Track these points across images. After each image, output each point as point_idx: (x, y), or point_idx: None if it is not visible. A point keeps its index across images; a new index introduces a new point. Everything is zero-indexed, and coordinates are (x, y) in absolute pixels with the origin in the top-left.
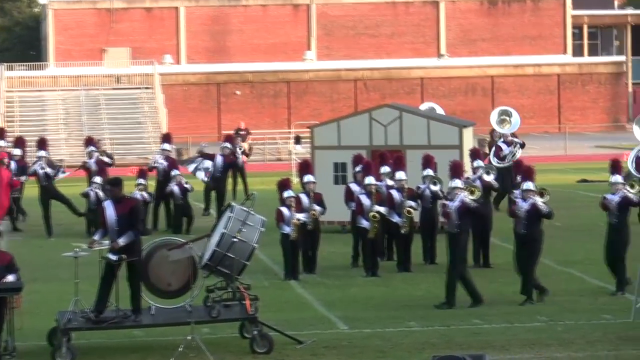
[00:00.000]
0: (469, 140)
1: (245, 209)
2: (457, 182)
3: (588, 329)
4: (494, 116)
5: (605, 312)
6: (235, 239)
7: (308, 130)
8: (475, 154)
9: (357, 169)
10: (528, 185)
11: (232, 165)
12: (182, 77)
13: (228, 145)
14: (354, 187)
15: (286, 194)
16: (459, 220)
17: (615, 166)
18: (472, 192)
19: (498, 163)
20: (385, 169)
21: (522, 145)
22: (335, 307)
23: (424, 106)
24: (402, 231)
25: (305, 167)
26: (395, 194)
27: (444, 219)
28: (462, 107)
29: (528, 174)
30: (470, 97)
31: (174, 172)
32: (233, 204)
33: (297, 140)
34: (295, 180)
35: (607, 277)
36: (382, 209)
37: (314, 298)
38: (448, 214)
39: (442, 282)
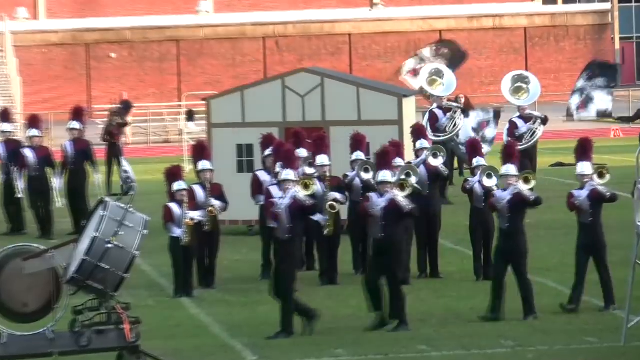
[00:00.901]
0: (410, 114)
1: (122, 205)
2: (385, 175)
3: (567, 356)
4: (506, 83)
5: (588, 334)
6: (109, 245)
7: (203, 103)
8: (418, 132)
9: (267, 152)
10: (508, 169)
11: (85, 154)
12: (41, 36)
13: (76, 125)
14: (263, 176)
15: (176, 186)
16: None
17: (584, 149)
18: (402, 187)
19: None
20: (302, 152)
21: (544, 121)
22: (240, 332)
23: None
24: (325, 232)
25: (200, 151)
26: (316, 185)
27: (363, 218)
28: None
29: (508, 154)
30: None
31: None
32: (106, 199)
33: (190, 116)
34: (187, 168)
35: (589, 287)
36: (338, 196)
37: (213, 320)
38: (369, 212)
39: None
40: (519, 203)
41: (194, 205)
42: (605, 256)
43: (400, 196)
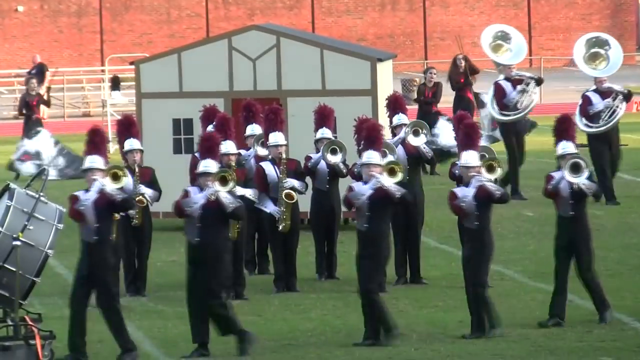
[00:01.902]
0: (386, 83)
1: (32, 193)
2: (372, 155)
3: None
4: (579, 49)
5: (603, 353)
6: (17, 242)
7: (132, 68)
8: (395, 104)
9: (210, 128)
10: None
11: None
12: None
13: None
14: None
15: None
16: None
17: (563, 125)
18: (392, 172)
19: (588, 127)
20: (253, 129)
21: (627, 97)
22: (176, 349)
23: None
24: (280, 227)
25: (127, 127)
26: (269, 168)
27: (348, 210)
28: (377, 29)
29: (469, 137)
30: (389, 14)
31: None
32: (12, 185)
33: (115, 84)
34: (112, 148)
35: (608, 295)
36: (297, 184)
37: (143, 335)
38: (354, 203)
39: (346, 306)
40: (485, 199)
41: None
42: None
43: (389, 183)
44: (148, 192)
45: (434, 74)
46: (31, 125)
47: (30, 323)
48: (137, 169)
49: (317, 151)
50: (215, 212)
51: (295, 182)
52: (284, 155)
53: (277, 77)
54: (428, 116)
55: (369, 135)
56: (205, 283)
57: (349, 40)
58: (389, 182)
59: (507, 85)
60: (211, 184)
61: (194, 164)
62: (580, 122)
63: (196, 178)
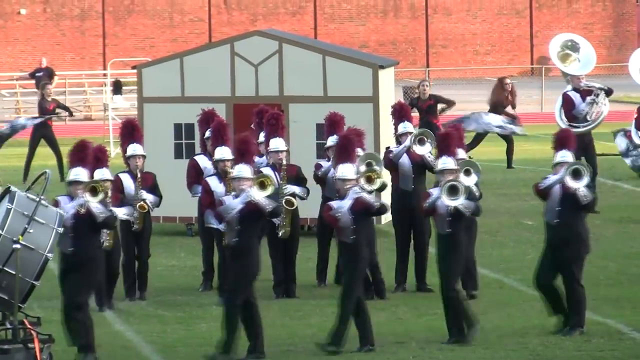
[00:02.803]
0: (388, 90)
1: (32, 196)
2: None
3: None
4: (554, 48)
5: None
6: (17, 246)
7: (134, 72)
8: (401, 112)
9: (207, 134)
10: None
11: None
12: None
13: None
14: (204, 162)
15: (98, 174)
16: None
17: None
18: (369, 180)
19: (573, 128)
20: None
21: (608, 93)
22: (175, 354)
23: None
24: (279, 233)
25: (129, 132)
26: (269, 174)
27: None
28: (379, 35)
29: (345, 150)
30: (391, 21)
31: None
32: (13, 188)
33: (117, 88)
34: (113, 152)
35: (607, 305)
36: (297, 190)
37: (142, 339)
38: (224, 218)
39: None
40: (361, 211)
41: (120, 199)
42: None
43: (367, 192)
44: (149, 197)
45: (427, 86)
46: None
47: (29, 326)
48: (139, 175)
49: (327, 159)
50: (87, 222)
51: (295, 189)
52: (284, 162)
53: (279, 83)
54: (429, 128)
55: (238, 148)
56: (73, 292)
57: (351, 46)
58: (260, 196)
59: (575, 97)
60: (81, 194)
61: (192, 166)
62: (561, 122)
63: (193, 181)
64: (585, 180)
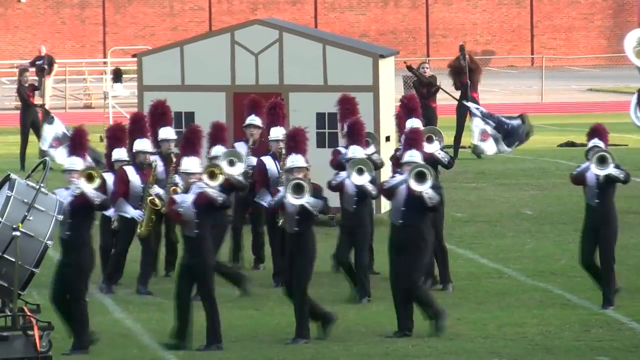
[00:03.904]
0: (388, 79)
1: (32, 183)
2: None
3: None
4: (630, 43)
5: (600, 352)
6: (16, 233)
7: (134, 60)
8: (409, 107)
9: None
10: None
11: None
12: None
13: None
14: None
15: (116, 153)
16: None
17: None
18: (212, 176)
19: None
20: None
21: None
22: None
23: None
24: (280, 222)
25: (161, 116)
26: (269, 163)
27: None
28: (379, 25)
29: (190, 142)
30: (392, 10)
31: None
32: (13, 175)
33: (117, 76)
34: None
35: (599, 297)
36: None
37: (141, 327)
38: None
39: (344, 302)
40: (204, 206)
41: (126, 191)
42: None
43: (87, 189)
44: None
45: (427, 68)
46: (30, 114)
47: (29, 314)
48: (174, 158)
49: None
50: (84, 207)
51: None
52: (284, 150)
53: (279, 72)
54: (428, 111)
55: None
56: (69, 279)
57: (351, 36)
58: (88, 188)
59: None
60: (77, 180)
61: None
62: (636, 120)
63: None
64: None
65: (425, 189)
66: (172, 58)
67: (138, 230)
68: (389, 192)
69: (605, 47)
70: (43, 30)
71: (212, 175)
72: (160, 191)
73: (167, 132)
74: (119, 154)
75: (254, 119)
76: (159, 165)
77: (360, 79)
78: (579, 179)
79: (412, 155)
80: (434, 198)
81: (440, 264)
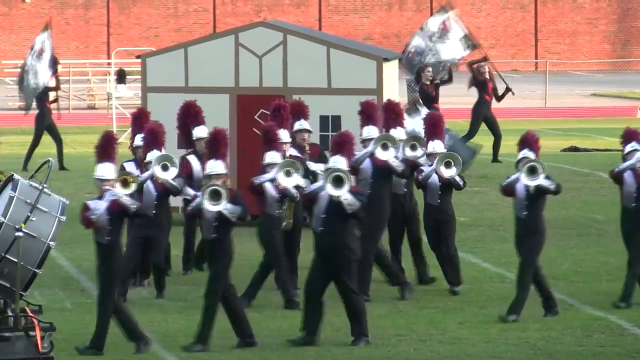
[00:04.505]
0: (392, 82)
1: (35, 184)
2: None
3: None
4: None
5: (603, 357)
6: (19, 233)
7: (138, 61)
8: (368, 114)
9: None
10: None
11: None
12: None
13: None
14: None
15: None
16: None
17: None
18: (125, 184)
19: None
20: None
21: None
22: (176, 343)
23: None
24: (282, 225)
25: (194, 116)
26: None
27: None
28: (383, 28)
29: (105, 150)
30: (396, 13)
31: None
32: (16, 176)
33: (121, 77)
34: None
35: (608, 300)
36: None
37: (142, 328)
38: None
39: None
40: (117, 213)
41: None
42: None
43: (125, 195)
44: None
45: (430, 71)
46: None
47: (31, 314)
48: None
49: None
50: (120, 213)
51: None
52: (287, 154)
53: (283, 74)
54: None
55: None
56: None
57: (355, 39)
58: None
59: None
60: (111, 188)
61: (181, 164)
62: None
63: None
64: (346, 188)
65: (343, 195)
66: (176, 59)
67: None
68: (309, 198)
69: (609, 52)
70: None
71: (125, 183)
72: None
73: (201, 131)
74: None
75: (303, 124)
76: (197, 164)
77: (364, 82)
78: (508, 190)
79: (335, 161)
80: (353, 204)
81: (450, 267)
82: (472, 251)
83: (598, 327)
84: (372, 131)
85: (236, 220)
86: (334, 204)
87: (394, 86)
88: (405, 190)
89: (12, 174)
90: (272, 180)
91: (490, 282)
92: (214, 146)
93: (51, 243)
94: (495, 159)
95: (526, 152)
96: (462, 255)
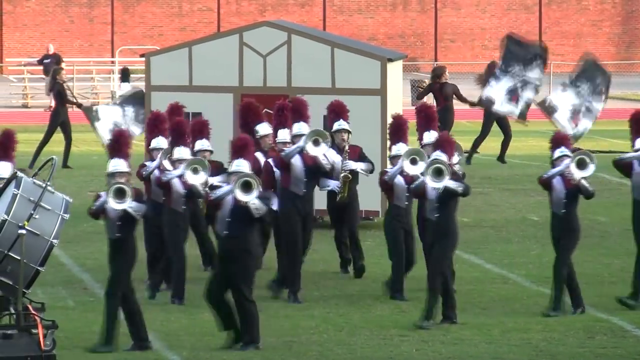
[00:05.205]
0: (396, 83)
1: (39, 182)
2: (118, 164)
3: None
4: None
5: (605, 359)
6: (22, 231)
7: (142, 60)
8: (298, 110)
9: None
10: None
11: None
12: None
13: None
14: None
15: (198, 144)
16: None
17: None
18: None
19: None
20: (263, 127)
21: None
22: (178, 343)
23: None
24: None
25: (200, 130)
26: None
27: None
28: (387, 28)
29: (116, 145)
30: (400, 14)
31: None
32: (20, 174)
33: (125, 75)
34: None
35: (610, 302)
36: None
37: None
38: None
39: (349, 305)
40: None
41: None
42: None
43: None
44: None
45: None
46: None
47: (33, 312)
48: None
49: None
50: (244, 210)
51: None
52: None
53: (287, 74)
54: (446, 113)
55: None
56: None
57: (359, 39)
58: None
59: None
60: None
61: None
62: None
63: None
64: (255, 193)
65: (251, 200)
66: (180, 58)
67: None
68: (214, 204)
69: (614, 53)
70: (51, 28)
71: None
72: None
73: (264, 128)
74: (201, 144)
75: (342, 124)
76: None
77: (368, 82)
78: (417, 192)
79: (239, 165)
80: (261, 208)
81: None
82: (475, 252)
83: (600, 329)
84: (302, 127)
85: (139, 218)
86: (240, 207)
87: (398, 87)
88: (305, 191)
89: (16, 172)
90: (180, 176)
91: (492, 283)
92: (116, 146)
93: (54, 241)
94: (501, 158)
95: (438, 154)
96: (464, 256)
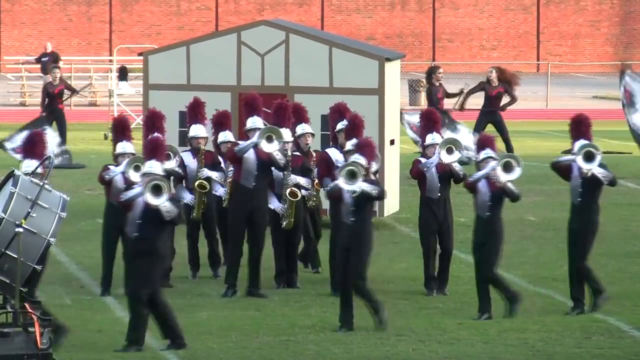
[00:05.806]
0: (394, 82)
1: (36, 181)
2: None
3: None
4: None
5: None
6: (19, 229)
7: (140, 58)
8: (251, 107)
9: (339, 126)
10: (150, 166)
11: None
12: None
13: None
14: (335, 155)
15: (221, 136)
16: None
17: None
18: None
19: None
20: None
21: None
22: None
23: None
24: (283, 224)
25: (194, 111)
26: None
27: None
28: (386, 28)
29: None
30: (398, 14)
31: None
32: (17, 172)
33: (123, 74)
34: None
35: (607, 303)
36: (302, 181)
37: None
38: None
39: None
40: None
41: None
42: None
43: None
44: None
45: (441, 72)
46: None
47: (30, 310)
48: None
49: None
50: (154, 212)
51: (300, 179)
52: (289, 152)
53: (285, 73)
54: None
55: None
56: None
57: (357, 38)
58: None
59: None
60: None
61: (323, 159)
62: None
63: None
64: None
65: (161, 203)
66: (178, 57)
67: (284, 223)
68: (125, 205)
69: (612, 54)
70: (49, 27)
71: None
72: (301, 180)
73: (305, 128)
74: (225, 135)
75: (305, 128)
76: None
77: (366, 82)
78: (332, 195)
79: (151, 166)
80: (172, 211)
81: (441, 268)
82: (472, 252)
83: (597, 329)
84: (256, 122)
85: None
86: (150, 210)
87: (396, 86)
88: (255, 184)
89: (13, 170)
90: (123, 173)
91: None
92: (30, 147)
93: (51, 239)
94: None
95: (357, 157)
96: (461, 256)
